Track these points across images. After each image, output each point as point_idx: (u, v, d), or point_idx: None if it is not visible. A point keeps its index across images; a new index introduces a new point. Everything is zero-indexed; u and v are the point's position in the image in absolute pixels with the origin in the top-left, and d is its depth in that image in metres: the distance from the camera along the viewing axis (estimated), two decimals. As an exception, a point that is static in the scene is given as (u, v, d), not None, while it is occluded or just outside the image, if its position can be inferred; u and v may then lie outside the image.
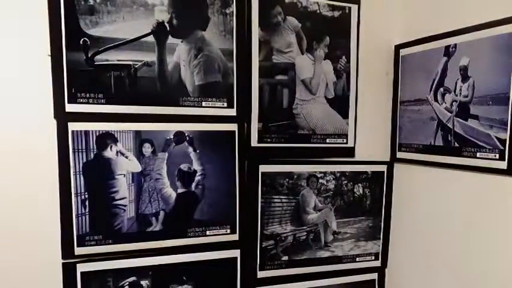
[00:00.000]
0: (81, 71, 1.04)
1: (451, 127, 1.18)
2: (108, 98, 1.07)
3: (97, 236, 1.09)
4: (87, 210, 1.08)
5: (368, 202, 1.41)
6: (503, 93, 1.02)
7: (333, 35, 1.30)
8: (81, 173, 1.06)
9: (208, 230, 1.21)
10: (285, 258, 1.32)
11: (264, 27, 1.22)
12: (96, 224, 1.09)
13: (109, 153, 1.09)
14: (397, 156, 1.40)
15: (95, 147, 1.07)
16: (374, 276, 1.46)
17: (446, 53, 1.18)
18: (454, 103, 1.17)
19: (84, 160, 1.06)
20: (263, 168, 1.26)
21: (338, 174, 1.35)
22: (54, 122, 1.03)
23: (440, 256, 1.25)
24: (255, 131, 1.24)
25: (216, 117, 1.18)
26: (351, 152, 1.37)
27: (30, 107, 1.02)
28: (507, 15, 1.01)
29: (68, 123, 1.04)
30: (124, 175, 1.11)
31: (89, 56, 1.04)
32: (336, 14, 1.30)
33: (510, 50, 1.01)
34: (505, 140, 1.03)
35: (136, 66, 1.09)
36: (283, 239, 1.31)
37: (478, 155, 1.10)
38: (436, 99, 1.23)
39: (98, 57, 1.05)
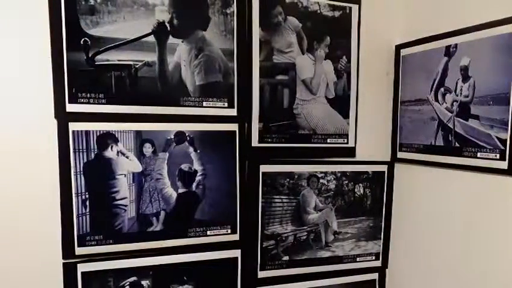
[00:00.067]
0: (81, 71, 1.04)
1: (452, 127, 1.18)
2: (109, 98, 1.07)
3: (98, 236, 1.09)
4: (87, 210, 1.08)
5: (369, 202, 1.41)
6: (504, 93, 1.02)
7: (333, 35, 1.30)
8: (81, 173, 1.06)
9: (209, 230, 1.21)
10: (286, 258, 1.32)
11: (265, 27, 1.22)
12: (96, 224, 1.09)
13: (110, 153, 1.09)
14: (398, 156, 1.40)
15: (96, 147, 1.07)
16: (375, 276, 1.46)
17: (447, 53, 1.18)
18: (454, 103, 1.17)
19: (85, 160, 1.06)
20: (264, 168, 1.26)
21: (339, 174, 1.35)
22: (55, 122, 1.03)
23: (441, 256, 1.25)
24: (256, 131, 1.24)
25: (217, 117, 1.18)
26: (351, 152, 1.37)
27: (31, 107, 1.02)
28: (508, 15, 1.01)
29: (69, 123, 1.04)
30: (125, 175, 1.11)
31: (90, 56, 1.04)
32: (337, 14, 1.30)
33: (511, 50, 1.01)
34: (506, 140, 1.03)
35: (137, 66, 1.09)
36: (283, 239, 1.31)
37: (478, 155, 1.10)
38: (436, 99, 1.23)
39: (98, 57, 1.05)
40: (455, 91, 1.17)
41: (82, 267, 1.09)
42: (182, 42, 1.13)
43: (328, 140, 1.33)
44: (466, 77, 1.13)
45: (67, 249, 1.07)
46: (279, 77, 1.26)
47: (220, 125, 1.19)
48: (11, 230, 1.03)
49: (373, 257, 1.44)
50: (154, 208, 1.15)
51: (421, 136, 1.30)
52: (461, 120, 1.15)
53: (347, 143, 1.36)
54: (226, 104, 1.19)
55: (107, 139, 1.08)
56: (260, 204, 1.27)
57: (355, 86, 1.35)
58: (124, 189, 1.11)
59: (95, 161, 1.07)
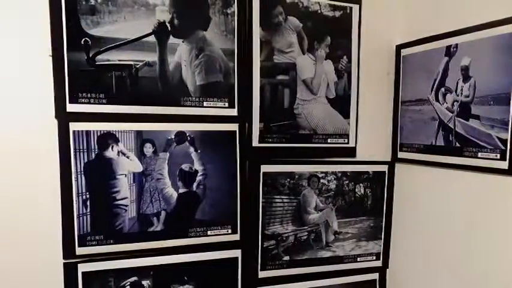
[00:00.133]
0: (82, 71, 1.04)
1: (452, 127, 1.18)
2: (110, 98, 1.07)
3: (98, 236, 1.09)
4: (88, 210, 1.08)
5: (369, 202, 1.41)
6: (505, 93, 1.02)
7: (334, 35, 1.30)
8: (82, 173, 1.06)
9: (210, 230, 1.21)
10: (286, 258, 1.32)
11: (265, 27, 1.22)
12: (97, 224, 1.09)
13: (110, 153, 1.09)
14: (398, 156, 1.40)
15: (96, 147, 1.07)
16: (375, 276, 1.46)
17: (448, 53, 1.18)
18: (455, 103, 1.17)
19: (86, 160, 1.06)
20: (264, 168, 1.26)
21: (339, 174, 1.35)
22: (56, 122, 1.03)
23: (442, 256, 1.25)
24: (256, 131, 1.24)
25: (217, 117, 1.18)
26: (352, 152, 1.37)
27: (32, 107, 1.02)
28: (508, 15, 1.01)
29: (69, 123, 1.04)
30: (125, 175, 1.11)
31: (90, 56, 1.04)
32: (337, 14, 1.30)
33: (511, 50, 1.01)
34: (506, 140, 1.03)
35: (138, 66, 1.09)
36: (284, 239, 1.31)
37: (479, 155, 1.10)
38: (437, 99, 1.23)
39: (99, 57, 1.05)
40: (455, 91, 1.17)
41: (83, 267, 1.09)
42: (183, 42, 1.13)
43: (329, 140, 1.33)
44: (466, 77, 1.13)
45: (68, 249, 1.07)
46: (280, 77, 1.26)
47: (221, 125, 1.19)
48: (12, 230, 1.03)
49: (374, 257, 1.44)
50: (155, 208, 1.15)
51: (422, 136, 1.30)
52: (462, 120, 1.15)
53: (347, 143, 1.36)
54: (226, 104, 1.19)
55: (107, 139, 1.08)
56: (261, 204, 1.27)
57: (356, 86, 1.35)
58: (125, 189, 1.11)
59: (96, 161, 1.07)
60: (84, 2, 1.03)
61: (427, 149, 1.28)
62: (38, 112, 1.02)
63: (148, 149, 1.12)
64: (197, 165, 1.18)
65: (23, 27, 1.00)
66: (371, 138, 1.40)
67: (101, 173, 1.08)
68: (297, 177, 1.30)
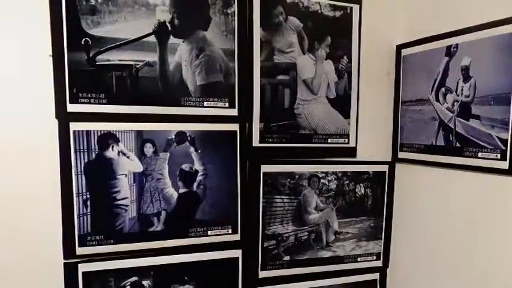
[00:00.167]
0: (82, 71, 1.04)
1: (453, 127, 1.18)
2: (110, 98, 1.07)
3: (98, 236, 1.09)
4: (88, 210, 1.08)
5: (369, 202, 1.41)
6: (505, 93, 1.02)
7: (334, 35, 1.30)
8: (82, 173, 1.06)
9: (210, 230, 1.21)
10: (287, 258, 1.32)
11: (266, 27, 1.22)
12: (97, 224, 1.09)
13: (111, 153, 1.09)
14: (399, 156, 1.40)
15: (97, 147, 1.07)
16: (375, 276, 1.46)
17: (448, 53, 1.18)
18: (455, 103, 1.17)
19: (86, 160, 1.06)
20: (265, 168, 1.26)
21: (340, 174, 1.35)
22: (56, 122, 1.03)
23: (442, 256, 1.25)
24: (257, 131, 1.24)
25: (218, 117, 1.18)
26: (352, 152, 1.37)
27: (32, 107, 1.02)
28: (508, 15, 1.01)
29: (70, 123, 1.04)
30: (125, 175, 1.11)
31: (91, 56, 1.04)
32: (338, 14, 1.30)
33: (511, 50, 1.01)
34: (507, 140, 1.03)
35: (138, 66, 1.09)
36: (284, 239, 1.31)
37: (479, 155, 1.10)
38: (437, 99, 1.23)
39: (99, 57, 1.05)
40: (456, 91, 1.17)
41: (83, 267, 1.09)
42: (183, 42, 1.13)
43: (329, 140, 1.33)
44: (466, 77, 1.13)
45: (68, 249, 1.07)
46: (280, 77, 1.26)
47: (221, 125, 1.19)
48: (12, 230, 1.03)
49: (374, 257, 1.44)
50: (155, 208, 1.15)
51: (422, 136, 1.30)
52: (462, 120, 1.15)
53: (348, 143, 1.36)
54: (227, 104, 1.19)
55: (107, 139, 1.08)
56: (261, 204, 1.27)
57: (356, 86, 1.35)
58: (125, 189, 1.11)
59: (96, 161, 1.07)
60: (84, 2, 1.03)
61: (427, 149, 1.28)
62: (38, 112, 1.02)
63: (148, 149, 1.12)
64: (197, 165, 1.18)
65: (24, 27, 1.00)
66: (371, 138, 1.40)
67: (101, 173, 1.08)
68: (297, 177, 1.30)
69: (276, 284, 1.32)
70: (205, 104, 1.16)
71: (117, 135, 1.09)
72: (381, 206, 1.42)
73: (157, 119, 1.12)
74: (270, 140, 1.25)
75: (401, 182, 1.42)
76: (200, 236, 1.20)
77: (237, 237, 1.25)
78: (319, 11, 1.28)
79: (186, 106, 1.14)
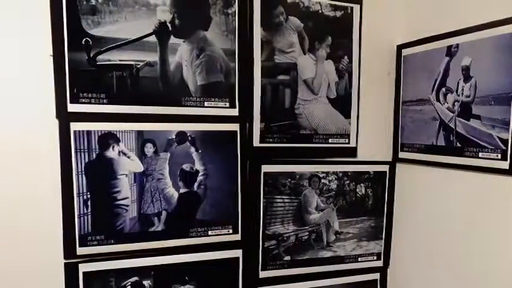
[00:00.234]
0: (83, 71, 1.04)
1: (453, 127, 1.18)
2: (110, 98, 1.07)
3: (99, 236, 1.09)
4: (89, 210, 1.08)
5: (370, 202, 1.41)
6: (506, 93, 1.02)
7: (335, 35, 1.30)
8: (83, 173, 1.06)
9: (211, 230, 1.21)
10: (287, 258, 1.32)
11: (266, 27, 1.22)
12: (98, 224, 1.09)
13: (111, 153, 1.09)
14: (399, 156, 1.40)
15: (97, 147, 1.07)
16: (376, 276, 1.46)
17: (449, 53, 1.18)
18: (456, 103, 1.17)
19: (86, 160, 1.06)
20: (265, 168, 1.26)
21: (340, 174, 1.35)
22: (56, 122, 1.03)
23: (442, 256, 1.25)
24: (257, 131, 1.24)
25: (218, 117, 1.18)
26: (353, 152, 1.37)
27: (33, 107, 1.02)
28: (509, 15, 1.01)
29: (70, 123, 1.04)
30: (126, 175, 1.11)
31: (91, 56, 1.04)
32: (338, 14, 1.30)
33: (512, 50, 1.01)
34: (507, 140, 1.03)
35: (139, 66, 1.09)
36: (285, 239, 1.31)
37: (480, 155, 1.10)
38: (438, 99, 1.23)
39: (100, 57, 1.05)
40: (456, 91, 1.17)
41: (83, 267, 1.09)
42: (184, 42, 1.13)
43: (330, 140, 1.33)
44: (467, 77, 1.13)
45: (68, 249, 1.07)
46: (281, 77, 1.26)
47: (222, 125, 1.19)
48: (13, 230, 1.03)
49: (375, 257, 1.44)
50: (156, 208, 1.15)
51: (423, 136, 1.30)
52: (463, 120, 1.15)
53: (348, 143, 1.36)
54: (227, 104, 1.19)
55: (108, 139, 1.08)
56: (261, 204, 1.27)
57: (357, 86, 1.35)
58: (125, 189, 1.11)
59: (97, 161, 1.07)
60: (85, 2, 1.03)
61: (428, 149, 1.28)
62: (38, 112, 1.02)
63: (149, 149, 1.12)
64: (198, 165, 1.18)
65: (24, 27, 1.00)
66: (372, 138, 1.40)
67: (101, 173, 1.08)
68: (297, 177, 1.30)
69: (276, 284, 1.32)
70: (205, 104, 1.16)
71: (118, 135, 1.09)
72: (382, 206, 1.42)
73: (157, 119, 1.12)
74: (271, 140, 1.25)
75: (402, 182, 1.42)
76: (201, 236, 1.20)
77: (237, 237, 1.25)
78: (320, 11, 1.28)
79: (187, 106, 1.14)
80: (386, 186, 1.42)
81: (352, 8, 1.31)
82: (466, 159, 1.14)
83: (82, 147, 1.06)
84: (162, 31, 1.10)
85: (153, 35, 1.09)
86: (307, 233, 1.34)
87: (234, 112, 1.20)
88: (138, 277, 1.15)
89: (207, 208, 1.20)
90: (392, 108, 1.42)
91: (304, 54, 1.28)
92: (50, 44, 1.01)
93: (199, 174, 1.18)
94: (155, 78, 1.10)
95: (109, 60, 1.06)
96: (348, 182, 1.37)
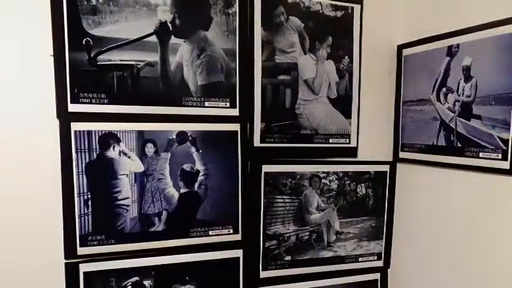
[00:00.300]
0: (83, 71, 1.04)
1: (454, 127, 1.18)
2: (111, 98, 1.07)
3: (100, 236, 1.09)
4: (89, 210, 1.08)
5: (371, 202, 1.41)
6: (506, 93, 1.02)
7: (335, 35, 1.30)
8: (83, 173, 1.06)
9: (211, 230, 1.21)
10: (288, 258, 1.32)
11: (267, 27, 1.22)
12: (98, 224, 1.09)
13: (112, 153, 1.09)
14: (400, 156, 1.40)
15: (98, 147, 1.07)
16: (377, 276, 1.46)
17: (449, 53, 1.18)
18: (456, 103, 1.17)
19: (87, 160, 1.06)
20: (266, 168, 1.26)
21: (341, 174, 1.35)
22: (57, 122, 1.03)
23: (443, 256, 1.25)
24: (258, 131, 1.24)
25: (219, 117, 1.18)
26: (353, 152, 1.37)
27: (33, 107, 1.02)
28: (509, 15, 1.01)
29: (71, 123, 1.04)
30: (127, 175, 1.11)
31: (92, 56, 1.04)
32: (339, 14, 1.30)
33: (513, 50, 1.01)
34: (508, 140, 1.03)
35: (139, 66, 1.09)
36: (286, 239, 1.31)
37: (480, 155, 1.10)
38: (438, 99, 1.23)
39: (100, 57, 1.05)
40: (457, 91, 1.17)
41: (84, 267, 1.09)
42: (184, 42, 1.13)
43: (330, 140, 1.33)
44: (468, 77, 1.13)
45: (69, 249, 1.07)
46: (281, 77, 1.26)
47: (222, 125, 1.19)
48: (13, 230, 1.03)
49: (375, 257, 1.44)
50: (156, 208, 1.15)
51: (423, 136, 1.30)
52: (463, 120, 1.15)
53: (349, 143, 1.36)
54: (228, 104, 1.19)
55: (109, 139, 1.08)
56: (262, 204, 1.27)
57: (357, 86, 1.35)
58: (126, 189, 1.11)
59: (97, 161, 1.07)
60: (85, 2, 1.03)
61: (428, 149, 1.28)
62: (39, 112, 1.02)
63: (149, 149, 1.12)
64: (198, 165, 1.18)
65: (25, 27, 1.00)
66: (372, 138, 1.40)
67: (102, 173, 1.08)
68: (298, 177, 1.30)
69: (277, 284, 1.32)
70: (206, 104, 1.16)
71: (118, 135, 1.09)
72: (382, 206, 1.42)
73: (158, 119, 1.12)
74: (271, 140, 1.25)
75: (403, 182, 1.42)
76: (201, 236, 1.20)
77: (238, 237, 1.25)
78: (320, 11, 1.28)
79: (187, 106, 1.14)
80: (387, 186, 1.42)
81: (352, 8, 1.31)
82: (467, 159, 1.14)
83: (83, 147, 1.06)
84: (162, 31, 1.10)
85: (154, 35, 1.09)
86: (308, 233, 1.34)
87: (235, 112, 1.20)
88: (138, 277, 1.14)
89: (207, 208, 1.20)
90: (393, 108, 1.42)
91: (305, 54, 1.28)
92: (50, 44, 1.00)
93: (200, 174, 1.18)
94: (156, 78, 1.10)
95: (109, 60, 1.06)
96: (348, 182, 1.37)
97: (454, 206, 1.20)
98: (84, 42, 1.03)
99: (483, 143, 1.09)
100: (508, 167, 1.03)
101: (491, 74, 1.06)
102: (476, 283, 1.14)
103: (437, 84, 1.23)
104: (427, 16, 1.30)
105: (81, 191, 1.06)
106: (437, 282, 1.28)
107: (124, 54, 1.07)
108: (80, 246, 1.07)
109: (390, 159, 1.43)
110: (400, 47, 1.38)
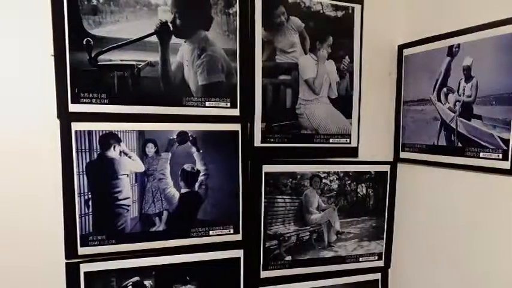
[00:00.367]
0: (84, 71, 1.04)
1: (454, 127, 1.18)
2: (112, 98, 1.07)
3: (100, 236, 1.09)
4: (90, 210, 1.08)
5: (371, 202, 1.40)
6: (507, 93, 1.02)
7: (336, 35, 1.30)
8: (84, 173, 1.06)
9: (212, 230, 1.21)
10: (288, 258, 1.32)
11: (267, 27, 1.22)
12: (99, 224, 1.09)
13: (112, 153, 1.09)
14: (401, 156, 1.40)
15: (98, 147, 1.07)
16: (377, 276, 1.46)
17: (450, 53, 1.18)
18: (457, 103, 1.17)
19: (88, 160, 1.06)
20: (266, 168, 1.26)
21: (341, 174, 1.35)
22: (58, 122, 1.03)
23: (444, 256, 1.25)
24: (258, 131, 1.24)
25: (219, 117, 1.18)
26: (354, 152, 1.37)
27: (34, 107, 1.02)
28: (510, 15, 1.01)
29: (71, 123, 1.04)
30: (127, 175, 1.11)
31: (92, 56, 1.04)
32: (339, 14, 1.30)
33: (514, 50, 1.01)
34: (508, 140, 1.03)
35: (140, 66, 1.09)
36: (286, 239, 1.31)
37: (481, 155, 1.10)
38: (439, 99, 1.23)
39: (101, 57, 1.05)
40: (457, 91, 1.17)
41: (85, 267, 1.09)
42: (185, 42, 1.13)
43: (331, 140, 1.33)
44: (468, 77, 1.13)
45: (70, 249, 1.07)
46: (282, 77, 1.26)
47: (223, 125, 1.19)
48: (14, 230, 1.03)
49: (376, 257, 1.44)
50: (157, 208, 1.15)
51: (424, 136, 1.30)
52: (464, 120, 1.15)
53: (350, 143, 1.36)
54: (228, 104, 1.19)
55: (109, 139, 1.08)
56: (263, 204, 1.27)
57: (358, 86, 1.35)
58: (127, 189, 1.11)
59: (98, 161, 1.07)
60: (86, 2, 1.03)
61: (429, 149, 1.28)
62: (40, 112, 1.02)
63: (150, 149, 1.12)
64: (199, 165, 1.18)
65: (26, 27, 1.00)
66: (373, 138, 1.40)
67: (103, 173, 1.08)
68: (299, 177, 1.30)
69: (277, 284, 1.32)
70: (207, 104, 1.16)
71: (119, 135, 1.09)
72: (383, 206, 1.42)
73: (159, 119, 1.12)
74: (272, 140, 1.25)
75: (403, 182, 1.42)
76: (202, 236, 1.20)
77: (238, 237, 1.25)
78: (321, 11, 1.28)
79: (188, 106, 1.14)
80: (388, 186, 1.42)
81: (353, 8, 1.31)
82: (467, 159, 1.14)
83: (83, 147, 1.06)
84: (163, 31, 1.10)
85: (155, 35, 1.09)
86: (308, 233, 1.34)
87: (235, 112, 1.20)
88: (139, 277, 1.14)
89: (208, 208, 1.20)
90: (394, 108, 1.42)
91: (306, 54, 1.28)
92: (51, 43, 1.00)
93: (201, 174, 1.18)
94: (156, 78, 1.10)
95: (110, 60, 1.06)
96: (349, 182, 1.37)
97: (455, 206, 1.20)
98: (84, 42, 1.03)
99: (484, 143, 1.09)
100: (508, 167, 1.03)
101: (491, 74, 1.06)
102: (477, 283, 1.14)
103: (437, 84, 1.23)
104: (427, 16, 1.30)
105: (82, 191, 1.06)
106: (437, 282, 1.28)
107: (125, 54, 1.07)
108: (81, 246, 1.08)
109: (391, 159, 1.43)
110: (401, 47, 1.38)
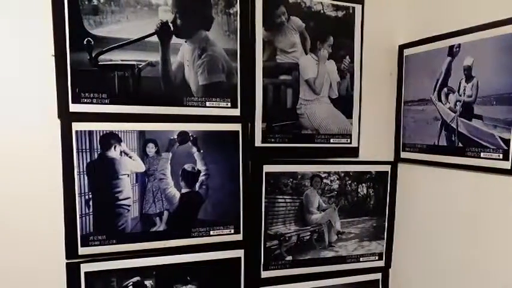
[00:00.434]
0: (85, 71, 1.04)
1: (455, 127, 1.18)
2: (112, 98, 1.07)
3: (101, 236, 1.09)
4: (91, 210, 1.08)
5: (372, 202, 1.40)
6: (507, 93, 1.02)
7: (336, 35, 1.30)
8: (85, 173, 1.06)
9: (212, 230, 1.21)
10: (289, 258, 1.32)
11: (268, 27, 1.22)
12: (100, 224, 1.09)
13: (113, 153, 1.09)
14: (401, 156, 1.40)
15: (99, 147, 1.07)
16: (378, 276, 1.46)
17: (450, 53, 1.18)
18: (457, 103, 1.17)
19: (88, 160, 1.06)
20: (267, 168, 1.26)
21: (342, 174, 1.35)
22: (58, 121, 1.03)
23: (444, 256, 1.25)
24: (259, 131, 1.24)
25: (220, 117, 1.18)
26: (354, 152, 1.37)
27: (34, 107, 1.02)
28: (511, 15, 1.01)
29: (72, 123, 1.04)
30: (128, 175, 1.11)
31: (93, 56, 1.04)
32: (340, 14, 1.30)
33: (514, 50, 1.01)
34: (509, 140, 1.03)
35: (140, 66, 1.09)
36: (287, 239, 1.31)
37: (481, 155, 1.10)
38: (440, 99, 1.23)
39: (101, 57, 1.05)
40: (458, 91, 1.17)
41: (85, 267, 1.09)
42: (185, 42, 1.13)
43: (332, 140, 1.33)
44: (469, 77, 1.13)
45: (70, 249, 1.07)
46: (282, 77, 1.26)
47: (224, 125, 1.19)
48: (14, 230, 1.03)
49: (376, 257, 1.44)
50: (158, 208, 1.15)
51: (425, 136, 1.30)
52: (465, 120, 1.15)
53: (350, 143, 1.36)
54: (229, 104, 1.19)
55: (110, 139, 1.08)
56: (263, 204, 1.27)
57: (359, 86, 1.35)
58: (127, 189, 1.11)
59: (98, 161, 1.07)
60: (86, 2, 1.03)
61: (429, 149, 1.28)
62: (40, 112, 1.02)
63: (151, 149, 1.12)
64: (200, 165, 1.18)
65: (26, 27, 1.00)
66: (374, 138, 1.40)
67: (103, 173, 1.08)
68: (299, 177, 1.30)
69: (278, 284, 1.32)
70: (207, 104, 1.16)
71: (120, 135, 1.09)
72: (383, 206, 1.42)
73: (159, 119, 1.12)
74: (273, 140, 1.25)
75: (404, 182, 1.42)
76: (202, 236, 1.20)
77: (239, 237, 1.25)
78: (322, 11, 1.28)
79: (189, 106, 1.14)
80: (388, 186, 1.42)
81: (353, 8, 1.31)
82: (468, 159, 1.14)
83: (84, 147, 1.06)
84: (164, 31, 1.10)
85: (155, 35, 1.09)
86: (309, 233, 1.34)
87: (236, 112, 1.20)
88: (139, 277, 1.14)
89: (208, 208, 1.20)
90: (394, 108, 1.42)
91: (306, 54, 1.28)
92: (51, 43, 1.00)
93: (201, 174, 1.18)
94: (157, 78, 1.10)
95: (111, 60, 1.06)
96: (349, 182, 1.37)
97: (455, 206, 1.20)
98: (85, 42, 1.03)
99: (484, 143, 1.09)
100: (509, 167, 1.03)
101: (492, 74, 1.06)
102: (477, 283, 1.14)
103: (438, 84, 1.23)
104: (428, 16, 1.30)
105: (83, 191, 1.06)
106: (438, 282, 1.28)
107: (125, 54, 1.07)
108: (81, 246, 1.08)
109: (391, 159, 1.43)
110: (402, 47, 1.38)
